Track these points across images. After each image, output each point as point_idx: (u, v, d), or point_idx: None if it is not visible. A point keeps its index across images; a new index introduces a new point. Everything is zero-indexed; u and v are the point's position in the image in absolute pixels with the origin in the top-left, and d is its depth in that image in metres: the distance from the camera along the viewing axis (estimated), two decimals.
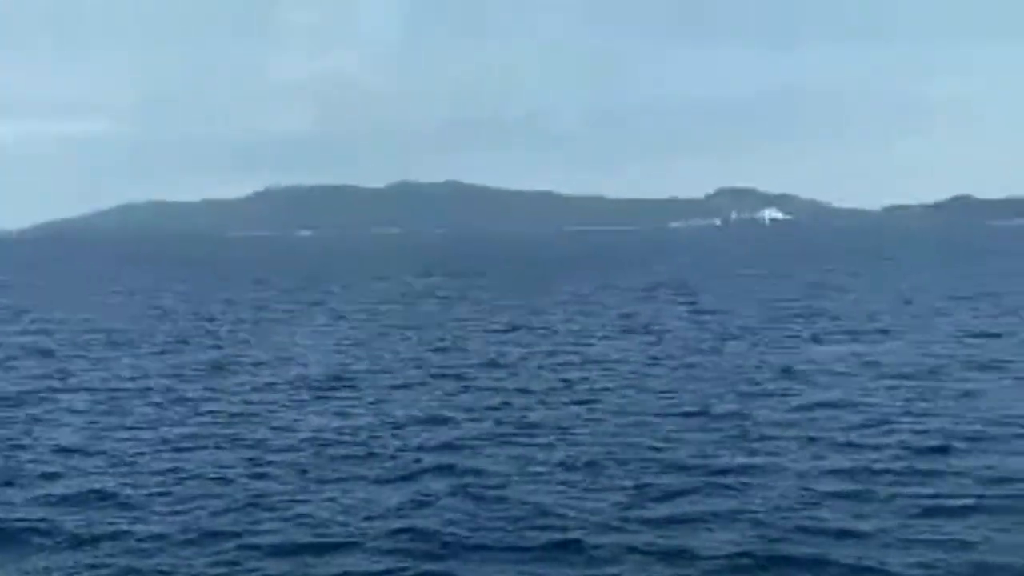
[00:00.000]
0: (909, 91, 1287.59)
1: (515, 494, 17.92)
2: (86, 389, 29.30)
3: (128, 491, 18.48)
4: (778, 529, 15.69)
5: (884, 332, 39.68)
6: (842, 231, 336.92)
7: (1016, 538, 14.94)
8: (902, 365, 30.77)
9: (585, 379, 29.85)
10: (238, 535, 16.08)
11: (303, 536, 16.05)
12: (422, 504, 17.46)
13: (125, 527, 16.51)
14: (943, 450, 20.02)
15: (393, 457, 20.69)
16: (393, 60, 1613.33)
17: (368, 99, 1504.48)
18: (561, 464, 19.87)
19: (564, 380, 29.71)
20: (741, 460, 19.79)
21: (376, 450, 21.29)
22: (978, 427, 21.99)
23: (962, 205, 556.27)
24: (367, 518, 16.78)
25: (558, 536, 15.70)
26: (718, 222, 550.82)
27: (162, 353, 36.99)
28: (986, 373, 29.03)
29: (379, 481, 19.00)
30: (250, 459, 20.75)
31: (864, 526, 15.66)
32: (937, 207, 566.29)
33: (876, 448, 20.42)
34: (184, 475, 19.57)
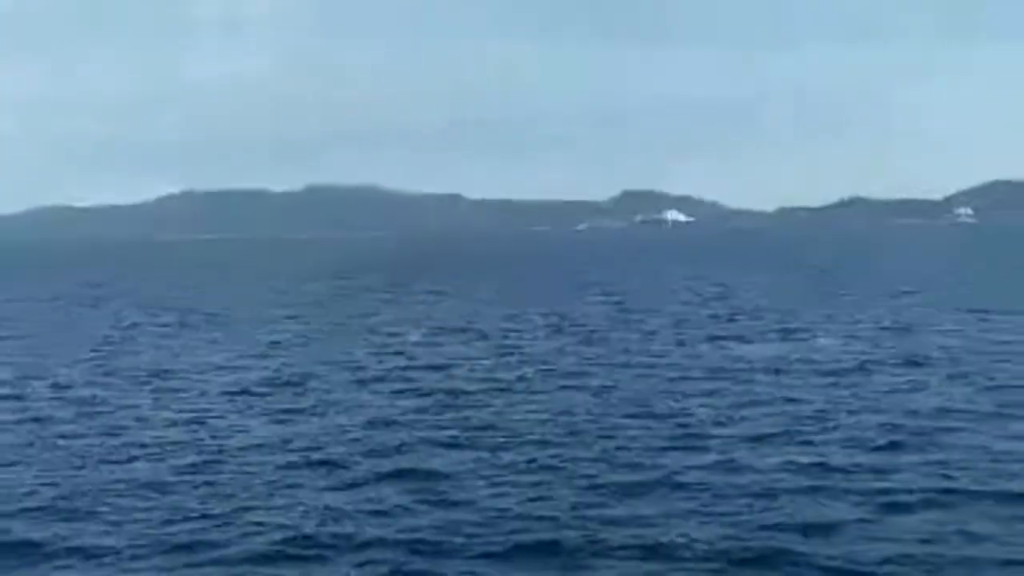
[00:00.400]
0: (806, 96, 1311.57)
1: (476, 497, 17.80)
2: (11, 397, 28.34)
3: (69, 503, 17.90)
4: (744, 526, 15.81)
5: (804, 330, 40.26)
6: (743, 232, 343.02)
7: (976, 529, 15.21)
8: (829, 361, 31.32)
9: (522, 379, 29.75)
10: (188, 547, 15.66)
11: (259, 545, 15.66)
12: (381, 511, 17.17)
13: (73, 541, 16.01)
14: (892, 445, 20.36)
15: (344, 462, 20.34)
16: (311, 63, 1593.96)
17: (284, 102, 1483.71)
18: (515, 466, 19.77)
19: (502, 381, 29.55)
20: (694, 458, 19.90)
21: (326, 456, 20.89)
22: (921, 422, 22.44)
23: (855, 206, 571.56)
24: (324, 525, 16.44)
25: (527, 538, 15.64)
26: (622, 224, 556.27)
27: (85, 361, 35.74)
28: (913, 369, 29.60)
29: (334, 488, 18.64)
30: (194, 467, 20.20)
31: (827, 521, 15.85)
32: (831, 208, 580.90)
33: (824, 443, 20.72)
34: (128, 486, 18.92)
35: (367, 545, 15.56)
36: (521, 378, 29.88)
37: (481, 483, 18.63)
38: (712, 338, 38.51)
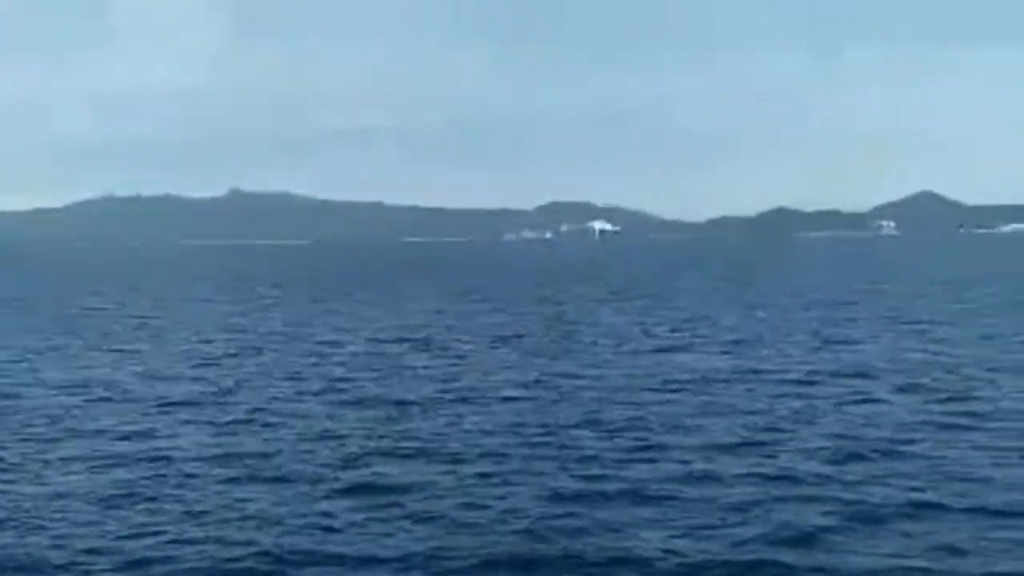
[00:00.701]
0: (738, 108, 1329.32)
1: (436, 510, 17.30)
2: None
3: (10, 515, 17.15)
4: (716, 537, 15.54)
5: (743, 342, 40.35)
6: (670, 243, 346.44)
7: (948, 540, 15.11)
8: (776, 371, 31.38)
9: (471, 390, 29.27)
10: (141, 563, 15.00)
11: (213, 562, 15.07)
12: (337, 526, 16.61)
13: (16, 556, 15.28)
14: (854, 456, 20.26)
15: (295, 476, 19.67)
16: (230, 70, 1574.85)
17: (201, 108, 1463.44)
18: (475, 478, 19.29)
19: (449, 391, 29.06)
20: (657, 469, 19.61)
21: (276, 470, 20.20)
22: (879, 432, 22.43)
23: (782, 217, 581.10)
24: (280, 540, 15.87)
25: (495, 551, 15.23)
26: (549, 234, 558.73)
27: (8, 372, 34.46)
28: (857, 380, 29.68)
29: (286, 502, 18.00)
30: (137, 481, 19.42)
31: (797, 532, 15.62)
32: (755, 219, 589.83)
33: (785, 453, 20.59)
34: (69, 500, 18.11)
35: (327, 561, 15.03)
36: (469, 389, 29.40)
37: (440, 496, 18.12)
38: (654, 350, 38.33)
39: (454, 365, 34.64)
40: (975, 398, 26.34)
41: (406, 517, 16.98)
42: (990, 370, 31.02)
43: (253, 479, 19.54)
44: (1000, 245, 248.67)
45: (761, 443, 21.52)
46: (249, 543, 15.74)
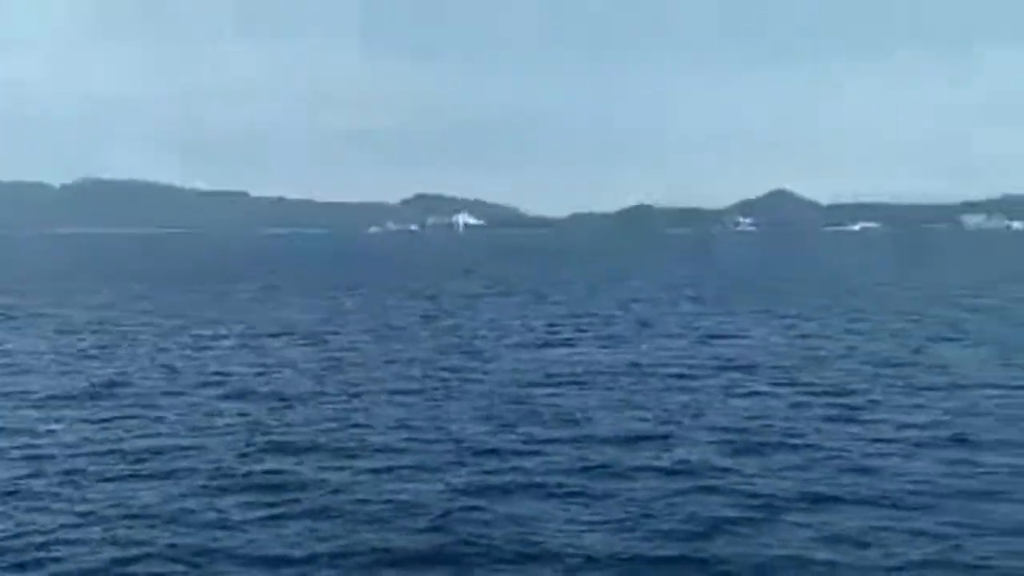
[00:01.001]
0: (598, 107, 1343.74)
1: (334, 504, 17.07)
2: None
3: None
4: (616, 530, 15.63)
5: (621, 336, 40.87)
6: (534, 237, 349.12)
7: (843, 530, 15.48)
8: (659, 366, 31.70)
9: (354, 384, 28.83)
10: (18, 567, 14.39)
11: (103, 563, 14.56)
12: (233, 522, 16.22)
13: None
14: (759, 447, 20.71)
15: (183, 471, 19.11)
16: (84, 58, 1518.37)
17: (56, 97, 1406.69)
18: (372, 472, 19.08)
19: (333, 385, 28.63)
20: (558, 461, 19.70)
21: (162, 464, 19.62)
22: (766, 425, 22.91)
23: (644, 213, 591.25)
24: (174, 538, 15.42)
25: (401, 545, 15.14)
26: (414, 227, 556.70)
27: None
28: (740, 374, 30.26)
29: (176, 497, 17.48)
30: (21, 478, 18.60)
31: (704, 523, 15.83)
32: (617, 215, 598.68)
33: (684, 446, 20.86)
34: None
35: (227, 560, 14.64)
36: (353, 383, 28.93)
37: (338, 492, 17.82)
38: (537, 344, 38.42)
39: (335, 359, 34.06)
40: (850, 391, 27.07)
41: (305, 514, 16.66)
42: (861, 363, 32.04)
43: (140, 476, 18.93)
44: (853, 240, 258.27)
45: (654, 436, 21.75)
46: (142, 543, 15.27)
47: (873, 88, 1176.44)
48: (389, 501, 17.24)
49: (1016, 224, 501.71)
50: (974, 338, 38.94)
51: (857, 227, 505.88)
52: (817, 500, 16.96)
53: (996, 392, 26.60)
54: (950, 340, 38.34)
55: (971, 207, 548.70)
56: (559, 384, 28.61)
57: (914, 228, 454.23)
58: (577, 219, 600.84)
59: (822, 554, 14.44)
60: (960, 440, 20.97)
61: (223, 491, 17.94)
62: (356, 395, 27.02)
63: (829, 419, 23.41)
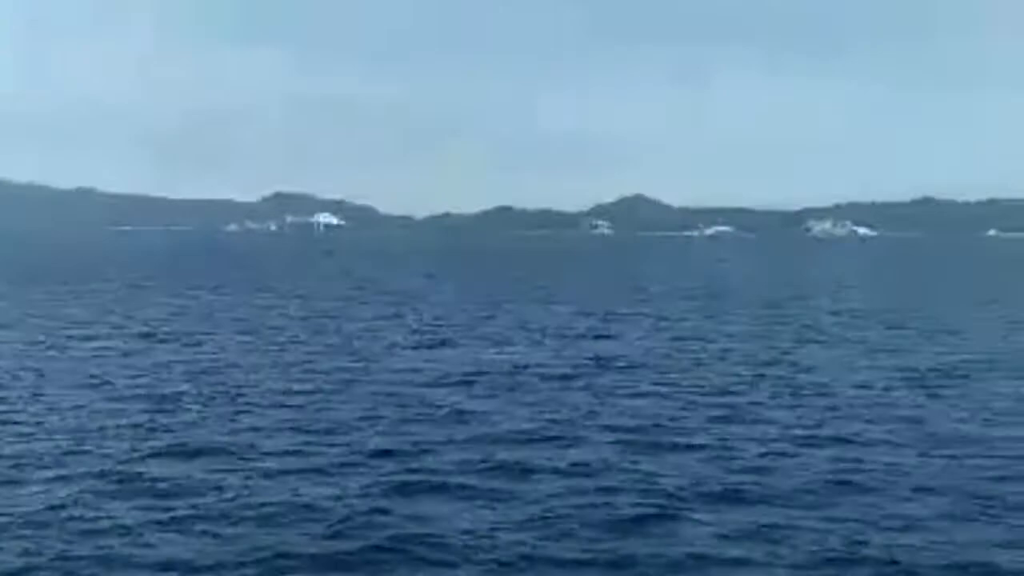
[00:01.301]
0: (460, 106, 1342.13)
1: (227, 508, 16.73)
2: None
3: None
4: (522, 528, 15.73)
5: (500, 336, 41.06)
6: (396, 238, 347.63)
7: (748, 526, 15.89)
8: (544, 366, 31.99)
9: (230, 385, 28.19)
10: None
11: None
12: (123, 529, 15.64)
13: None
14: (644, 446, 21.07)
15: (65, 476, 18.41)
16: None
17: None
18: (257, 474, 18.73)
19: (207, 385, 28.04)
20: (445, 461, 19.68)
21: (40, 470, 18.88)
22: (658, 424, 23.35)
23: (503, 215, 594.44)
24: (65, 544, 14.84)
25: (298, 550, 14.91)
26: (273, 226, 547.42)
27: None
28: (623, 375, 30.74)
29: (62, 503, 16.79)
30: None
31: (606, 521, 16.03)
32: (478, 216, 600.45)
33: (580, 444, 21.15)
34: None
35: (120, 567, 14.22)
36: (234, 385, 28.31)
37: (235, 495, 17.44)
38: (417, 346, 38.23)
39: (215, 359, 33.28)
40: (731, 392, 27.79)
41: (202, 518, 16.29)
42: (737, 364, 32.95)
43: (21, 482, 18.12)
44: (707, 245, 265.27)
45: (549, 436, 21.95)
46: (31, 552, 14.62)
47: (730, 95, 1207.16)
48: (287, 504, 16.97)
49: (862, 230, 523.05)
50: (837, 339, 40.45)
51: (711, 231, 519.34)
52: (715, 498, 17.36)
53: (864, 391, 27.69)
54: (816, 342, 39.70)
55: (815, 212, 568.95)
56: (446, 384, 28.60)
57: (764, 232, 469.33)
58: (438, 220, 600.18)
59: (727, 551, 14.80)
60: (839, 439, 21.70)
61: (114, 497, 17.38)
62: (240, 397, 26.46)
63: (715, 419, 23.94)
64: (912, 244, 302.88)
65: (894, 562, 14.16)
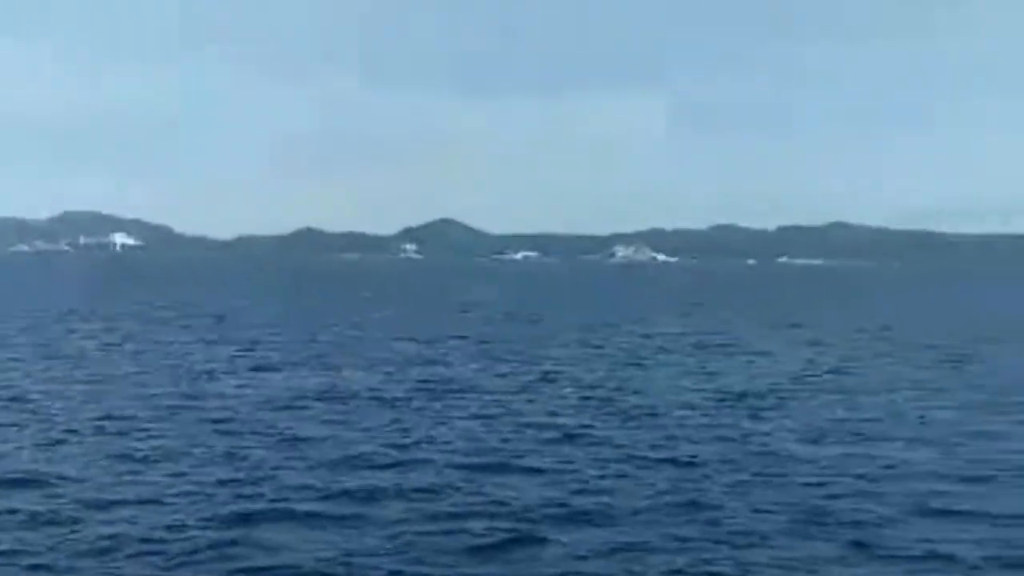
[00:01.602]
0: (267, 123, 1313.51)
1: (82, 539, 15.94)
2: None
3: None
4: (373, 554, 15.48)
5: (321, 360, 40.42)
6: (199, 260, 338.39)
7: (614, 545, 16.07)
8: (371, 389, 31.72)
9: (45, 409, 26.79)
10: None
11: None
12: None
13: None
14: (492, 467, 21.16)
15: None
16: None
17: None
18: (85, 505, 17.92)
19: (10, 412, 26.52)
20: (285, 488, 19.14)
21: None
22: (499, 445, 23.55)
23: (310, 237, 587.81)
24: None
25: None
26: (66, 246, 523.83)
27: None
28: (453, 397, 30.71)
29: None
30: None
31: (460, 546, 15.91)
32: (285, 238, 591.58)
33: (417, 468, 20.96)
34: None
35: None
36: (44, 412, 26.94)
37: (63, 524, 16.70)
38: (235, 369, 37.26)
39: (21, 388, 31.37)
40: (559, 414, 28.13)
41: (27, 552, 15.41)
42: (565, 388, 33.40)
43: None
44: (516, 269, 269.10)
45: (392, 461, 21.50)
46: None
47: (538, 125, 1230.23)
48: (123, 537, 16.12)
49: (662, 256, 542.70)
50: (655, 363, 41.60)
51: (519, 256, 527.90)
52: (565, 519, 17.43)
53: (690, 413, 28.49)
54: (634, 365, 40.68)
55: (622, 239, 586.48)
56: (276, 409, 27.89)
57: (570, 258, 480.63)
58: (244, 241, 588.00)
59: (585, 570, 14.94)
60: (674, 460, 22.12)
61: None
62: (57, 426, 25.05)
63: (550, 441, 24.11)
64: (708, 270, 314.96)
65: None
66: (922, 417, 28.18)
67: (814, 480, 20.31)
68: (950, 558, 15.47)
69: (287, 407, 28.34)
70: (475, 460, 21.82)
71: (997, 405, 30.61)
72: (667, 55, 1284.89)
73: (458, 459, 21.90)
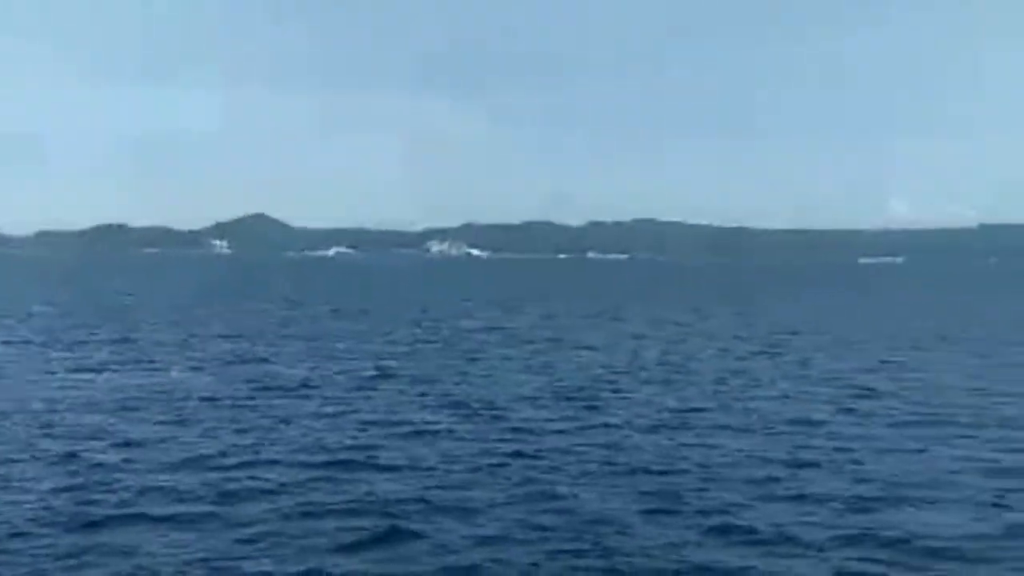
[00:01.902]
0: (66, 115, 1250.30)
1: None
2: None
3: None
4: (251, 557, 15.27)
5: (149, 360, 39.12)
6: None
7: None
8: (204, 389, 31.00)
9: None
10: None
11: None
12: None
13: None
14: (344, 464, 21.00)
15: None
16: None
17: None
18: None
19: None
20: (137, 487, 18.65)
21: None
22: (351, 441, 23.41)
23: (111, 232, 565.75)
24: None
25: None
26: None
27: None
28: (292, 397, 30.38)
29: None
30: None
31: (343, 543, 15.81)
32: (87, 233, 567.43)
33: (270, 466, 20.69)
34: None
35: None
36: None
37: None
38: (56, 371, 35.51)
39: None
40: (398, 410, 28.12)
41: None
42: (401, 383, 33.39)
43: None
44: (330, 265, 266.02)
45: (241, 461, 21.19)
46: None
47: (354, 121, 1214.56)
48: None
49: (475, 251, 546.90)
50: (488, 356, 42.02)
51: (332, 252, 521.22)
52: (431, 511, 17.65)
53: (529, 404, 29.00)
54: (471, 359, 40.98)
55: (437, 234, 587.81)
56: (106, 411, 26.96)
57: (383, 252, 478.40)
58: (43, 237, 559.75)
59: (456, 562, 15.11)
60: (521, 453, 22.31)
61: None
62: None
63: (395, 436, 24.14)
64: (521, 264, 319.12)
65: (615, 570, 14.99)
66: (747, 407, 29.43)
67: (657, 468, 21.00)
68: (797, 540, 16.31)
69: (119, 408, 27.42)
70: (323, 458, 21.64)
71: (814, 394, 32.22)
72: (487, 58, 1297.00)
73: (304, 458, 21.69)
